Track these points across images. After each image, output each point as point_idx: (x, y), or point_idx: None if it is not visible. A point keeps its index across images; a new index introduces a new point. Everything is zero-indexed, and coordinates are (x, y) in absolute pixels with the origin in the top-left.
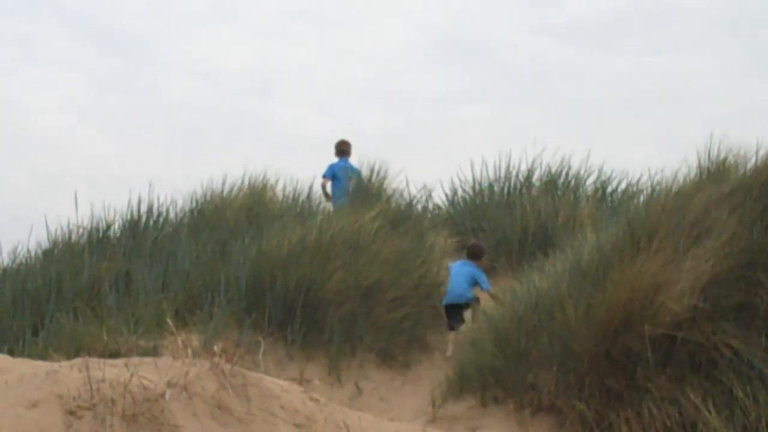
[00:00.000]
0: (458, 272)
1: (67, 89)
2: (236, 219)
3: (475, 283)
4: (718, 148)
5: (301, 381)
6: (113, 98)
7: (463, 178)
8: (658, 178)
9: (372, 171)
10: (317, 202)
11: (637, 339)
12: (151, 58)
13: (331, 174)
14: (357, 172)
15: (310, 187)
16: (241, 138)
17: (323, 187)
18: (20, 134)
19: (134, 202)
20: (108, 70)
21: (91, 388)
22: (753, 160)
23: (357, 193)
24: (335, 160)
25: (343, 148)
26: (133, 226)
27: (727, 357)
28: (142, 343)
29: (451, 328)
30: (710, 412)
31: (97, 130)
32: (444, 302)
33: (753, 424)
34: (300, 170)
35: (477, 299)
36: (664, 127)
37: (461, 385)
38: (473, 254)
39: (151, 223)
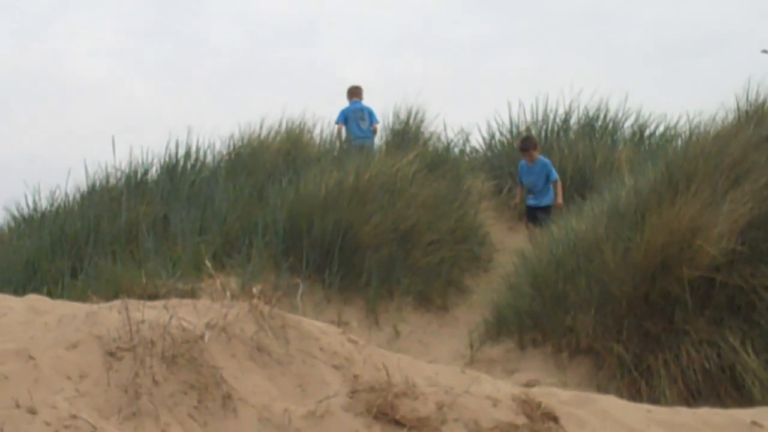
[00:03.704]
0: None
1: (108, 36)
2: (274, 162)
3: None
4: (757, 92)
5: (339, 324)
6: (154, 45)
7: (500, 122)
8: (696, 121)
9: (410, 115)
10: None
11: (675, 282)
12: (192, 4)
13: (343, 118)
14: (369, 110)
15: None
16: (281, 84)
17: (338, 132)
18: (61, 81)
19: (172, 146)
20: (149, 16)
21: (130, 330)
22: None
23: (394, 136)
24: (346, 105)
25: (353, 92)
26: (171, 170)
27: (765, 300)
28: (180, 285)
29: None
30: (749, 355)
31: (137, 77)
32: None
33: None
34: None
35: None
36: (703, 71)
37: (499, 328)
38: None
39: (189, 166)
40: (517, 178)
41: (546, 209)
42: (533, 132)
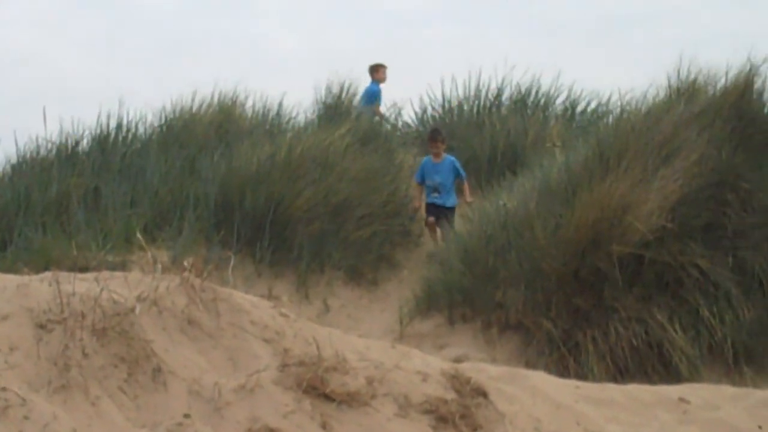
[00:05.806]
0: None
1: (34, 4)
2: (206, 135)
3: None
4: (688, 69)
5: (270, 298)
6: (84, 13)
7: (432, 97)
8: (628, 98)
9: (342, 89)
10: (286, 119)
11: (605, 258)
12: None
13: None
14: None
15: (280, 104)
16: (213, 56)
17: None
18: None
19: (103, 118)
20: None
21: (61, 302)
22: (722, 81)
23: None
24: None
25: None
26: (102, 142)
27: (694, 276)
28: (110, 258)
29: None
30: (676, 332)
31: (66, 47)
32: None
33: (719, 343)
34: (270, 88)
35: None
36: (635, 48)
37: (429, 303)
38: None
39: (120, 138)
40: (415, 179)
41: (452, 210)
42: (465, 108)
